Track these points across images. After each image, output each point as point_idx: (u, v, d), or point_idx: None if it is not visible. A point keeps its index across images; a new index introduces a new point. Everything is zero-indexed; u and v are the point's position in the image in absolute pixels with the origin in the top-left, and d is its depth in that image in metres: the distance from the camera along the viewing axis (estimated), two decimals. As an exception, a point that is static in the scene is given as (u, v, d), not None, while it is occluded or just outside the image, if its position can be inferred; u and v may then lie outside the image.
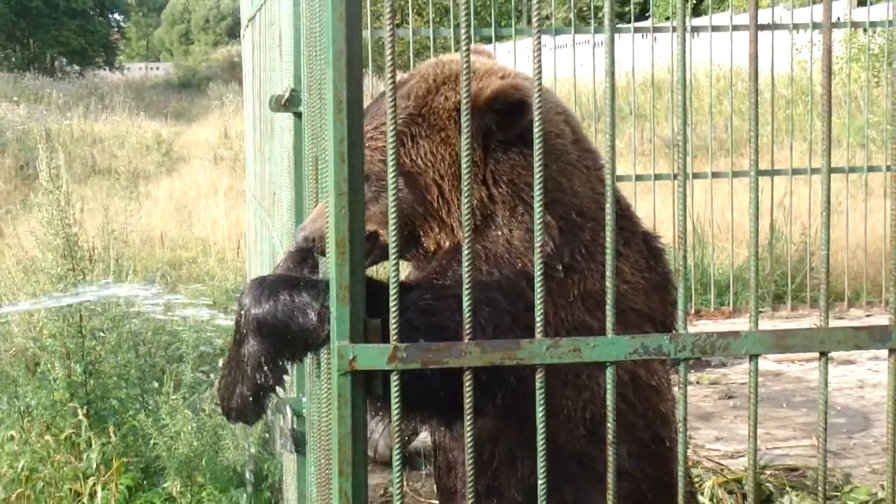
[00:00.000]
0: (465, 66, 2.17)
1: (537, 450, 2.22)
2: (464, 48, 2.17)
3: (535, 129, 2.17)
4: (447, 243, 3.08)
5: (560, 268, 2.95)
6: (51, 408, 6.02)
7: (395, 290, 2.16)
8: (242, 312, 2.71)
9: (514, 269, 2.93)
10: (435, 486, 3.51)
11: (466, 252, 2.18)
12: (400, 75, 3.07)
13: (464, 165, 2.17)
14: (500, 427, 2.94)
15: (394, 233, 2.16)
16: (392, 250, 2.16)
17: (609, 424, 2.24)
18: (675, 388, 2.41)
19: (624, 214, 3.15)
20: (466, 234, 2.18)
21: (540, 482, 2.23)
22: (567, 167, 3.12)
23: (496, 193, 3.03)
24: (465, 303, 2.17)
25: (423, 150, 3.05)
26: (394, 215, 2.16)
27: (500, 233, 3.03)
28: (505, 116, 2.97)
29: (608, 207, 2.21)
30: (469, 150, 2.17)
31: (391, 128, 2.16)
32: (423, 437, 5.02)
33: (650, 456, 3.15)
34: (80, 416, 5.86)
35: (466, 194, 2.17)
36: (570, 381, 2.91)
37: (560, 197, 3.04)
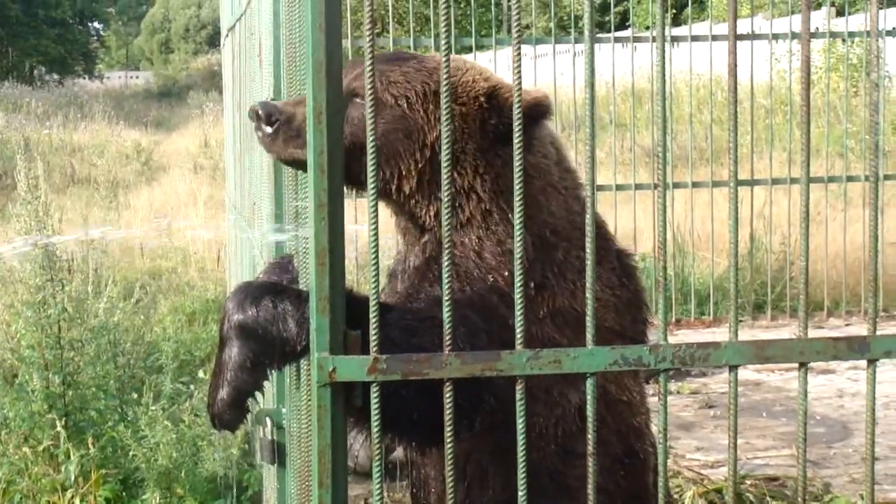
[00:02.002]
0: (444, 76, 2.17)
1: (517, 464, 2.21)
2: (443, 58, 2.17)
3: (516, 142, 2.17)
4: (421, 201, 3.08)
5: (532, 285, 2.96)
6: (29, 419, 5.98)
7: (375, 301, 2.16)
8: (226, 317, 2.72)
9: (485, 286, 2.95)
10: (411, 501, 3.51)
11: (446, 263, 2.17)
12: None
13: (444, 179, 2.16)
14: (471, 445, 2.94)
15: (374, 242, 2.16)
16: (371, 267, 2.16)
17: (590, 435, 2.23)
18: (655, 399, 2.41)
19: (599, 232, 3.15)
20: (446, 246, 2.17)
21: (521, 495, 2.23)
22: (547, 187, 3.15)
23: (478, 187, 3.05)
24: (446, 316, 2.16)
25: (431, 109, 3.06)
26: (374, 226, 2.16)
27: (470, 241, 3.04)
28: (528, 122, 2.98)
29: (588, 217, 2.21)
30: (449, 165, 2.17)
31: (371, 142, 2.15)
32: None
33: (624, 470, 3.17)
34: (59, 428, 5.83)
35: (447, 205, 2.17)
36: (541, 398, 2.92)
37: (536, 214, 3.05)
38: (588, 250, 2.20)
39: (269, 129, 3.03)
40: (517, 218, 2.18)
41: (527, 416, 2.20)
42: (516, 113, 2.17)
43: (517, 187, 2.17)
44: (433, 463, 3.18)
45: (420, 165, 3.05)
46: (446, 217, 2.17)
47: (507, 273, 2.96)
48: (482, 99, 3.08)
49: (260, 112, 3.04)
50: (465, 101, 3.06)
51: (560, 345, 2.91)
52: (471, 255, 3.01)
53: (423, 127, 3.05)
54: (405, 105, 3.05)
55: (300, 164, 2.95)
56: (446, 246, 2.17)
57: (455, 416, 2.19)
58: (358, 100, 3.04)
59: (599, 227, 3.22)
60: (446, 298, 2.16)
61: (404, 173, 3.06)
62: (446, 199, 2.17)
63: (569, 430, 2.99)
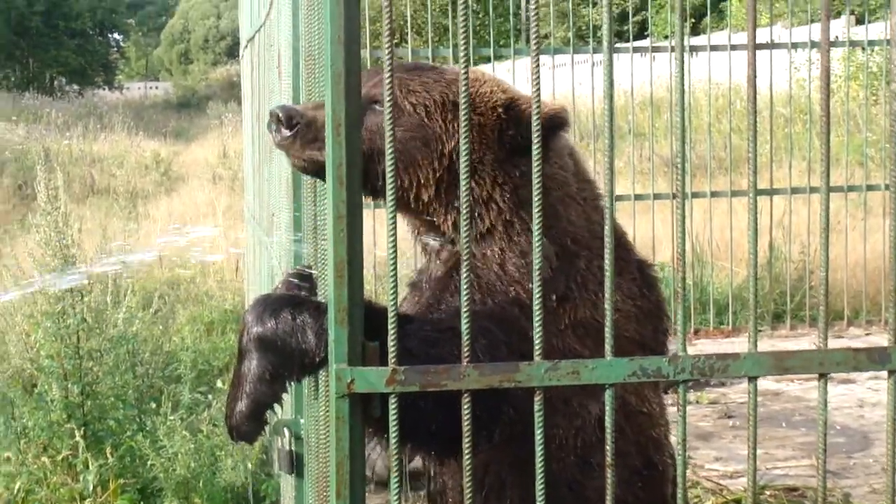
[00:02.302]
0: (463, 86, 2.17)
1: (536, 475, 2.21)
2: (463, 68, 2.17)
3: (535, 152, 2.17)
4: (439, 210, 3.09)
5: (554, 297, 2.96)
6: (48, 429, 6.00)
7: (393, 312, 2.15)
8: (245, 329, 2.72)
9: (507, 298, 2.95)
10: None
11: (465, 275, 2.17)
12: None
13: (462, 188, 2.16)
14: (489, 456, 2.93)
15: (392, 261, 2.16)
16: (390, 279, 2.16)
17: (608, 446, 2.23)
18: (674, 409, 2.40)
19: (619, 242, 3.15)
20: (465, 258, 2.17)
21: (539, 505, 2.22)
22: (566, 197, 3.15)
23: (497, 198, 3.06)
24: (464, 327, 2.16)
25: (449, 118, 3.07)
26: (392, 258, 2.16)
27: (493, 253, 3.05)
28: (545, 133, 2.99)
29: (607, 229, 2.21)
30: (467, 175, 2.17)
31: (390, 150, 2.15)
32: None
33: (643, 482, 3.16)
34: (77, 438, 5.85)
35: (465, 215, 2.17)
36: (560, 409, 2.91)
37: (556, 224, 3.06)
38: (607, 260, 2.20)
39: (287, 133, 3.03)
40: (535, 228, 2.18)
41: (546, 427, 2.19)
42: (535, 121, 2.16)
43: (536, 197, 2.16)
44: (451, 473, 3.18)
45: (438, 174, 3.05)
46: (465, 227, 2.17)
47: (530, 285, 2.96)
48: (500, 110, 3.08)
49: (280, 115, 3.04)
50: (483, 111, 3.07)
51: (581, 356, 2.90)
52: (493, 267, 3.01)
53: (440, 136, 3.05)
54: (423, 113, 3.06)
55: (318, 168, 2.93)
56: (465, 258, 2.17)
57: (473, 427, 2.18)
58: (377, 107, 3.05)
59: (619, 237, 3.22)
60: (465, 309, 2.16)
61: (422, 181, 3.07)
62: (465, 210, 2.16)
63: (588, 440, 2.98)
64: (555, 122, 3.05)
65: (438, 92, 3.09)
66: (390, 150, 2.15)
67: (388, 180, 2.16)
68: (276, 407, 2.85)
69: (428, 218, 3.14)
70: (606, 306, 2.20)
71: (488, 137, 3.06)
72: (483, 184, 3.05)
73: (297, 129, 3.02)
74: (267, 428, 2.92)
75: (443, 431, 2.53)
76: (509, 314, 2.89)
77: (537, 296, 2.18)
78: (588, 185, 3.27)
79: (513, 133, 3.06)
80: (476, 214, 3.04)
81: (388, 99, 2.16)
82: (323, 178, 2.48)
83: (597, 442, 2.97)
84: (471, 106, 2.94)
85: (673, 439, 3.32)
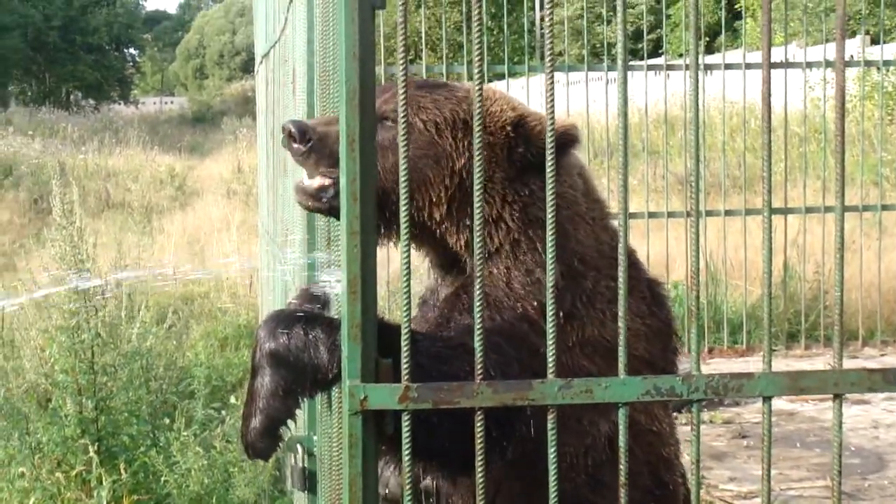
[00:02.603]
0: (477, 103, 2.17)
1: (548, 495, 2.20)
2: (476, 86, 2.17)
3: (549, 169, 2.17)
4: (451, 229, 3.09)
5: (561, 314, 2.95)
6: (62, 444, 6.01)
7: (406, 330, 2.15)
8: (258, 345, 2.72)
9: (514, 314, 2.95)
10: None
11: (478, 291, 2.17)
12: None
13: (476, 199, 2.16)
14: (501, 474, 2.93)
15: (406, 280, 2.16)
16: (404, 301, 2.16)
17: (621, 466, 2.22)
18: (688, 429, 2.39)
19: (629, 260, 3.15)
20: (478, 274, 2.17)
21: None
22: (575, 217, 3.14)
23: (506, 217, 3.06)
24: (477, 345, 2.16)
25: (459, 136, 3.07)
26: (406, 258, 2.16)
27: (499, 271, 3.05)
28: (556, 150, 3.00)
29: (621, 247, 2.20)
30: (480, 191, 2.17)
31: (404, 165, 2.15)
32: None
33: (654, 502, 3.14)
34: (91, 453, 5.85)
35: (478, 233, 2.17)
36: (572, 428, 2.90)
37: (564, 244, 3.03)
38: (620, 279, 2.19)
39: (301, 148, 3.04)
40: (549, 246, 2.17)
41: (557, 445, 2.18)
42: (549, 138, 2.16)
43: (550, 215, 2.16)
44: (460, 493, 3.17)
45: (450, 192, 3.05)
46: (478, 244, 2.17)
47: (535, 303, 2.96)
48: (509, 128, 3.07)
49: (293, 130, 3.05)
50: (493, 130, 3.06)
51: (591, 373, 2.90)
52: (500, 285, 3.01)
53: (451, 154, 3.05)
54: (434, 131, 3.06)
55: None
56: (478, 274, 2.17)
57: (486, 445, 2.17)
58: (388, 122, 3.05)
59: (629, 255, 3.21)
60: (478, 327, 2.16)
61: (434, 200, 3.06)
62: (478, 226, 2.16)
63: (598, 459, 2.97)
64: (565, 139, 3.05)
65: (449, 109, 3.08)
66: (404, 165, 2.15)
67: (402, 195, 2.16)
68: (290, 423, 2.84)
69: (439, 237, 3.13)
70: (620, 324, 2.19)
71: (498, 156, 3.06)
72: (493, 203, 3.05)
73: (311, 144, 3.03)
74: (281, 444, 2.91)
75: (455, 448, 2.52)
76: (518, 330, 2.89)
77: (551, 312, 2.18)
78: (597, 205, 3.26)
79: (522, 151, 3.06)
80: (487, 233, 3.03)
81: (402, 117, 2.16)
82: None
83: (607, 461, 2.97)
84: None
85: (686, 459, 3.30)
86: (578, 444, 2.95)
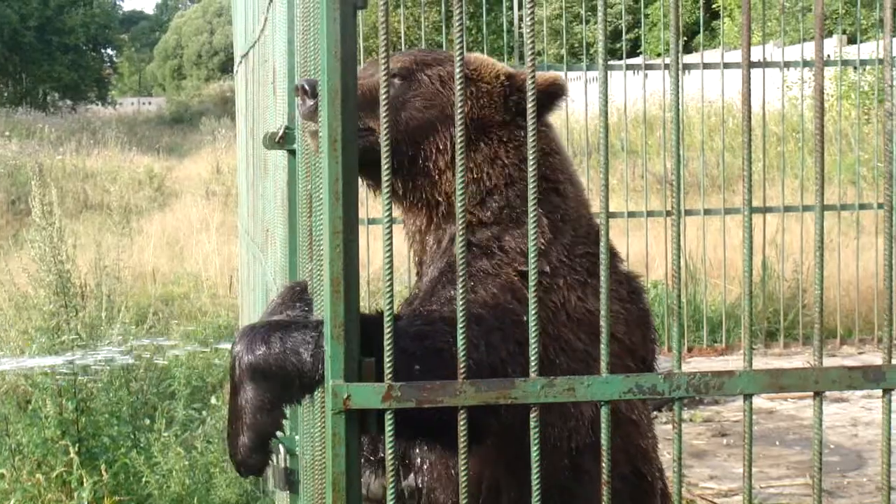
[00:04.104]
0: (459, 102, 2.17)
1: (531, 482, 2.21)
2: (458, 85, 2.18)
3: (530, 152, 2.18)
4: (451, 179, 3.20)
5: (548, 269, 3.03)
6: (42, 445, 5.99)
7: (389, 329, 2.16)
8: (236, 362, 2.67)
9: (497, 283, 2.98)
10: None
11: (461, 272, 2.18)
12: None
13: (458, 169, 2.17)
14: (484, 461, 2.94)
15: (388, 274, 2.16)
16: (386, 298, 2.16)
17: (604, 463, 2.23)
18: (669, 427, 2.40)
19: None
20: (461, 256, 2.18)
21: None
22: (565, 163, 3.37)
23: (502, 154, 3.23)
24: (460, 344, 2.17)
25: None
26: (388, 254, 2.17)
27: (489, 233, 3.14)
28: (548, 100, 3.24)
29: (602, 245, 2.22)
30: (463, 153, 2.18)
31: (386, 177, 2.16)
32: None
33: (632, 491, 3.16)
34: (72, 454, 5.83)
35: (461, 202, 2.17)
36: (555, 408, 2.92)
37: (550, 196, 3.19)
38: (602, 277, 2.21)
39: (311, 102, 3.12)
40: (531, 206, 2.18)
41: (541, 426, 2.20)
42: (530, 99, 2.18)
43: (532, 164, 2.17)
44: (442, 486, 3.17)
45: (454, 139, 3.19)
46: (461, 220, 2.17)
47: (521, 267, 3.03)
48: (503, 77, 3.30)
49: (305, 86, 3.15)
50: (489, 80, 3.28)
51: (575, 348, 2.98)
52: (493, 247, 3.10)
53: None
54: (438, 83, 3.27)
55: None
56: (461, 231, 2.18)
57: (469, 433, 2.19)
58: (396, 81, 3.26)
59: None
60: (461, 324, 2.16)
61: (440, 147, 3.22)
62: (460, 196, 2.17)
63: (581, 444, 2.99)
64: (553, 89, 3.27)
65: (452, 65, 3.28)
66: (386, 151, 2.16)
67: (385, 179, 2.17)
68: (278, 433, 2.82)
69: (441, 187, 3.23)
70: (602, 323, 2.21)
71: (495, 102, 3.27)
72: (490, 143, 3.23)
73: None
74: (273, 455, 2.88)
75: (439, 434, 2.56)
76: (501, 300, 2.92)
77: (533, 309, 2.19)
78: (578, 182, 3.43)
79: (515, 98, 3.25)
80: (484, 173, 3.20)
81: (384, 116, 2.16)
82: None
83: (589, 445, 2.98)
84: (478, 78, 3.27)
85: (667, 457, 3.32)
86: (562, 426, 2.97)
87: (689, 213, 10.43)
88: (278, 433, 2.78)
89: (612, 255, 3.27)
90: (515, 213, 3.14)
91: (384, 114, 2.17)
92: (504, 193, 3.18)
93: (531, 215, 2.18)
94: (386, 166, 2.17)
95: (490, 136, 3.23)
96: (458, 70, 2.18)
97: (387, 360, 2.15)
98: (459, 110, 2.20)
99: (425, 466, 3.09)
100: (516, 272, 3.02)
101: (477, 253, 3.07)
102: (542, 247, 3.03)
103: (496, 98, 3.27)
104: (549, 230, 3.12)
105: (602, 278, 2.21)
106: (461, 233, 2.17)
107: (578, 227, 3.21)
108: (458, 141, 2.18)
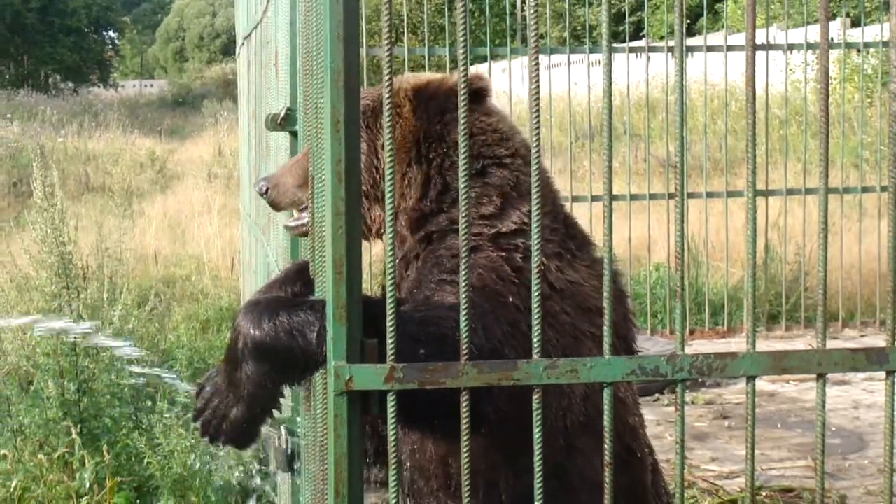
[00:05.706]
0: (462, 86, 2.17)
1: (534, 469, 2.21)
2: (461, 68, 2.17)
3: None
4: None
5: (514, 228, 3.10)
6: (44, 426, 6.00)
7: (392, 311, 2.15)
8: (240, 335, 2.65)
9: (479, 264, 2.99)
10: None
11: (464, 255, 2.17)
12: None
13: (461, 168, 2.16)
14: (483, 443, 2.94)
15: (390, 252, 2.16)
16: (389, 280, 2.16)
17: (606, 445, 2.23)
18: (670, 409, 2.40)
19: (574, 234, 3.27)
20: (464, 241, 2.17)
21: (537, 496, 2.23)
22: (500, 150, 3.32)
23: (430, 155, 3.28)
24: (462, 325, 2.16)
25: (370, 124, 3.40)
26: (390, 242, 2.16)
27: (446, 218, 3.19)
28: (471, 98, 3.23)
29: (605, 228, 2.21)
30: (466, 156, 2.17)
31: (388, 145, 2.16)
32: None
33: (622, 466, 3.16)
34: (74, 435, 5.83)
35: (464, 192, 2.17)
36: (551, 387, 2.92)
37: (495, 171, 3.23)
38: (606, 262, 2.21)
39: (265, 196, 3.58)
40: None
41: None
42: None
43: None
44: (425, 477, 3.17)
45: (410, 155, 3.30)
46: (464, 210, 2.17)
47: (483, 224, 3.10)
48: (410, 93, 3.34)
49: (261, 185, 3.59)
50: (399, 102, 3.32)
51: (562, 322, 3.00)
52: (452, 227, 3.15)
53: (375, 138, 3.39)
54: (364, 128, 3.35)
55: (292, 207, 3.55)
56: (464, 254, 2.17)
57: (470, 417, 2.19)
58: None
59: (572, 226, 3.29)
60: (463, 308, 2.16)
61: (376, 175, 3.34)
62: (464, 194, 2.16)
63: (575, 422, 2.99)
64: (478, 88, 3.32)
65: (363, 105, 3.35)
66: (389, 143, 2.16)
67: (387, 171, 2.16)
68: (275, 411, 2.81)
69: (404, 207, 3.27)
70: (605, 305, 2.20)
71: (406, 118, 3.31)
72: (418, 150, 3.29)
73: (267, 192, 3.56)
74: (259, 434, 2.88)
75: (431, 410, 2.56)
76: (488, 281, 2.94)
77: (536, 290, 2.19)
78: (523, 146, 3.38)
79: (424, 105, 3.33)
80: (413, 171, 3.28)
81: (387, 98, 2.16)
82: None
83: (581, 424, 2.99)
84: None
85: (669, 439, 3.32)
86: (557, 405, 2.97)
87: (691, 195, 10.41)
88: (275, 413, 2.78)
89: (585, 238, 3.31)
90: (456, 195, 3.12)
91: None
92: (437, 180, 3.25)
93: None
94: (389, 149, 2.16)
95: (416, 147, 3.29)
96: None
97: (389, 340, 2.14)
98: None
99: (411, 455, 3.10)
100: (489, 241, 3.06)
101: (453, 241, 3.09)
102: (495, 210, 3.11)
103: (408, 114, 3.32)
104: (499, 198, 3.14)
105: (605, 260, 2.21)
106: (464, 224, 2.17)
107: (544, 203, 3.21)
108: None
